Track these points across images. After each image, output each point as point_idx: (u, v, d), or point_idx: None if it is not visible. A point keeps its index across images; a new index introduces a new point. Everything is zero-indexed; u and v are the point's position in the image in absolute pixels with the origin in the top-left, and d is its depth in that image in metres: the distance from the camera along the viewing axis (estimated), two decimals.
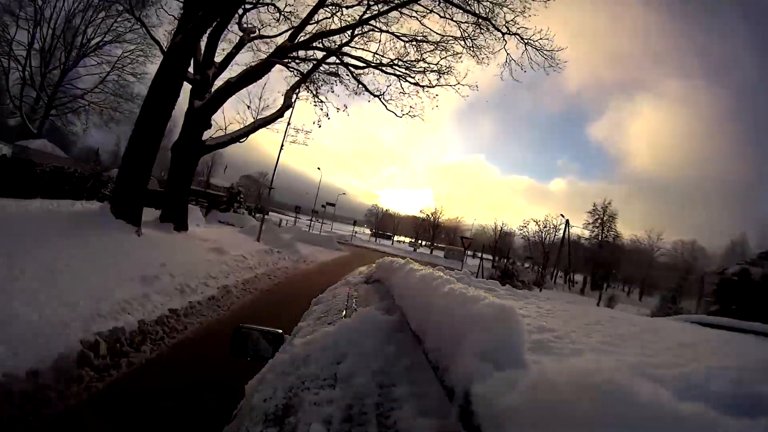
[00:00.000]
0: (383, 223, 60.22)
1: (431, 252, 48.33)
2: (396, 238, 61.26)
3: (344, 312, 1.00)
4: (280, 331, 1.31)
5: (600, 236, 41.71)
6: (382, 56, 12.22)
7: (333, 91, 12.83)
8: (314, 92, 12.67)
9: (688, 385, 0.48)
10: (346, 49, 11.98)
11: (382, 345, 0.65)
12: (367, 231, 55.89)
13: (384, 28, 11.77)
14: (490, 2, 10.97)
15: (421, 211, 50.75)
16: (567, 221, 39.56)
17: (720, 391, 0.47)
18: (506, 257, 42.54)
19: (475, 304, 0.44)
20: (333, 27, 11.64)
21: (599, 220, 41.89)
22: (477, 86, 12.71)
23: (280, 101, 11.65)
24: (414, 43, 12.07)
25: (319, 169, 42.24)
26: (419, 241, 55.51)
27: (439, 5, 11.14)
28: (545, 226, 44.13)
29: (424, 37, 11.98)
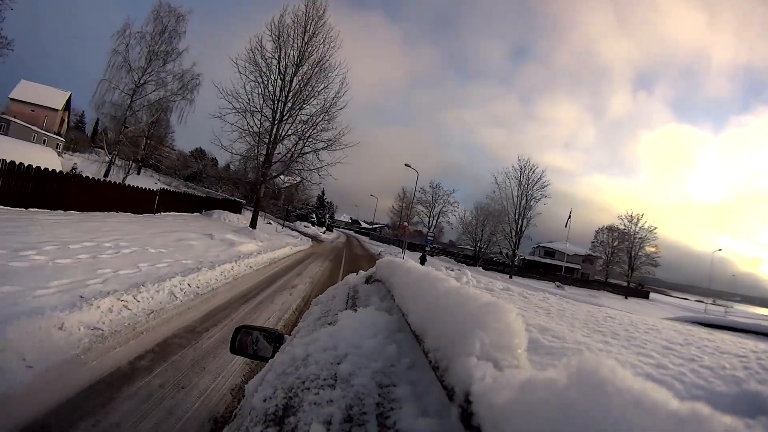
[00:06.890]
0: None
1: None
2: None
3: (344, 312, 1.00)
4: (281, 331, 1.32)
5: None
6: None
7: None
8: None
9: (688, 385, 0.48)
10: None
11: (382, 345, 0.65)
12: None
13: None
14: None
15: None
16: None
17: (720, 391, 0.47)
18: None
19: (474, 304, 0.44)
20: None
21: None
22: None
23: None
24: None
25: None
26: None
27: None
28: None
29: None
